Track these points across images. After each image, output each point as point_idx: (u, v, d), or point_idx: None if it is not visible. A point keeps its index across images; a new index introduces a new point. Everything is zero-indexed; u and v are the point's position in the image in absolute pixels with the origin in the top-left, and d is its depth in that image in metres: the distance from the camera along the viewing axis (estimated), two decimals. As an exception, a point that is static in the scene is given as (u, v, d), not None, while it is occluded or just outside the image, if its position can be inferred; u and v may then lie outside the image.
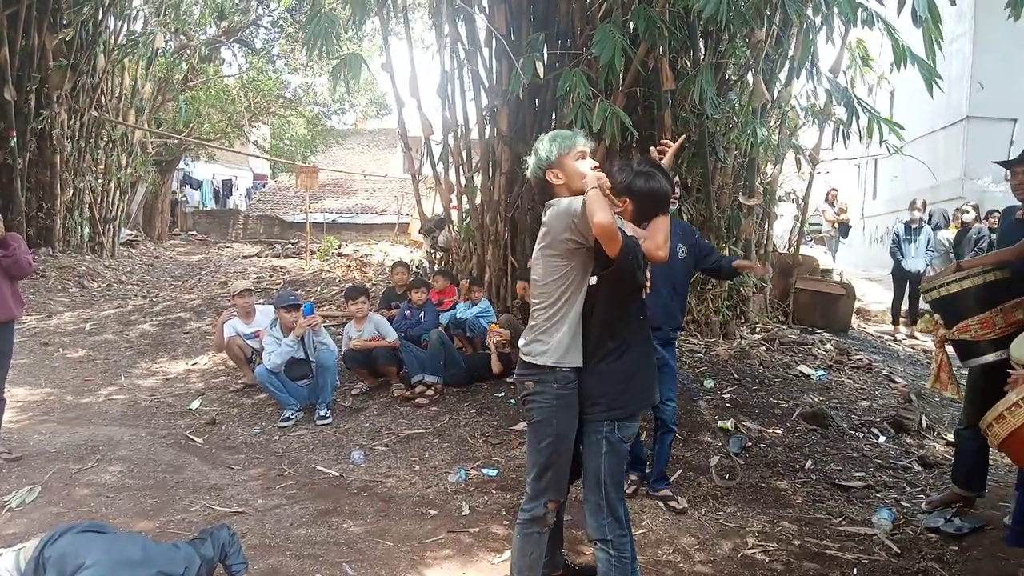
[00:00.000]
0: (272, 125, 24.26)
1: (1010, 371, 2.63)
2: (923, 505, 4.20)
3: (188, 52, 17.47)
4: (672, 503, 4.12)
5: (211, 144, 21.61)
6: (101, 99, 14.17)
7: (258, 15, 20.05)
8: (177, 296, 10.51)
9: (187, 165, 26.18)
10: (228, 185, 29.73)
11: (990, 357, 3.51)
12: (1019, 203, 3.71)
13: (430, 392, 5.86)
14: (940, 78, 5.88)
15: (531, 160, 2.76)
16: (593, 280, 2.67)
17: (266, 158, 25.65)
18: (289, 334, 5.70)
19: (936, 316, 3.63)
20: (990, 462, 4.12)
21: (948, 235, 9.42)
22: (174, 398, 6.25)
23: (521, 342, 2.80)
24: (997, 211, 8.01)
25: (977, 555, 3.61)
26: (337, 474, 4.65)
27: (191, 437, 5.31)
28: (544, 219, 2.70)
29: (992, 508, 4.05)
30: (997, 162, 4.01)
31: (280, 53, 20.83)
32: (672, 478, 4.45)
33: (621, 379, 2.68)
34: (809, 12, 5.77)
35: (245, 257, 17.20)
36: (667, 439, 4.19)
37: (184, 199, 27.01)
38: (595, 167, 2.67)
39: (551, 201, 2.69)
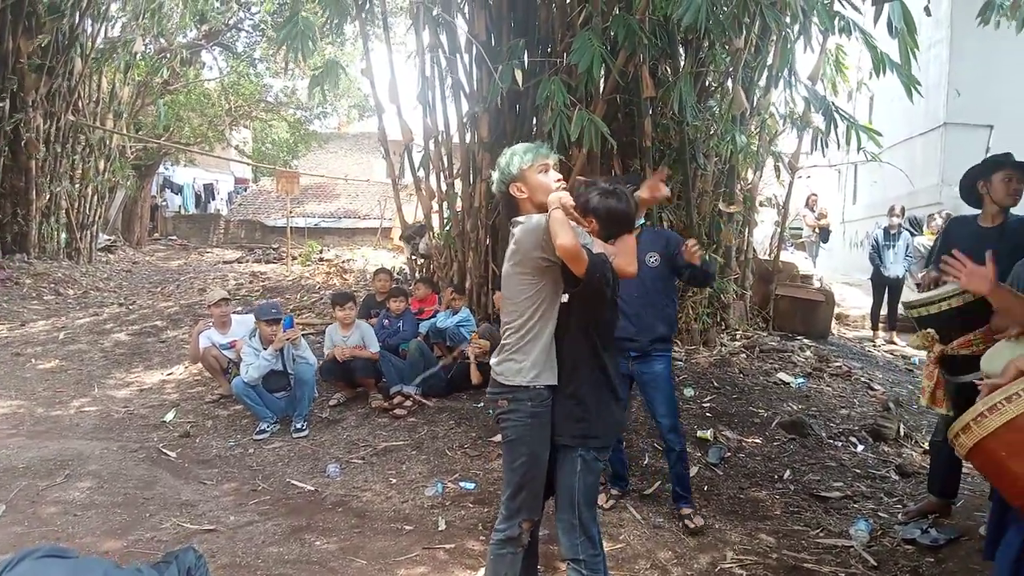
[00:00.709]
0: (254, 129, 24.08)
1: (977, 383, 2.62)
2: (900, 516, 4.20)
3: (168, 56, 17.28)
4: (688, 522, 4.00)
5: (191, 149, 21.41)
6: (78, 103, 13.99)
7: (239, 18, 19.89)
8: (154, 303, 10.38)
9: (167, 169, 25.92)
10: (209, 189, 29.46)
11: (980, 374, 3.49)
12: (969, 213, 3.72)
13: (408, 403, 5.79)
14: (919, 84, 5.93)
15: (495, 174, 2.74)
16: (565, 298, 2.63)
17: (247, 163, 25.45)
18: (268, 347, 5.61)
19: (931, 332, 3.57)
20: (965, 470, 4.13)
21: (924, 241, 9.48)
22: (148, 410, 6.14)
23: (493, 361, 2.76)
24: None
25: (953, 567, 3.61)
26: (312, 488, 4.58)
27: (164, 451, 5.21)
28: (513, 236, 2.66)
29: (968, 519, 4.06)
30: (981, 164, 3.97)
31: (262, 56, 20.67)
32: (650, 490, 4.42)
33: (593, 407, 2.65)
34: (787, 20, 5.78)
35: (225, 262, 17.05)
36: (671, 457, 4.07)
37: (164, 203, 26.76)
38: (558, 180, 2.65)
39: (519, 218, 2.66)
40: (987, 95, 10.93)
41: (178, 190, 27.59)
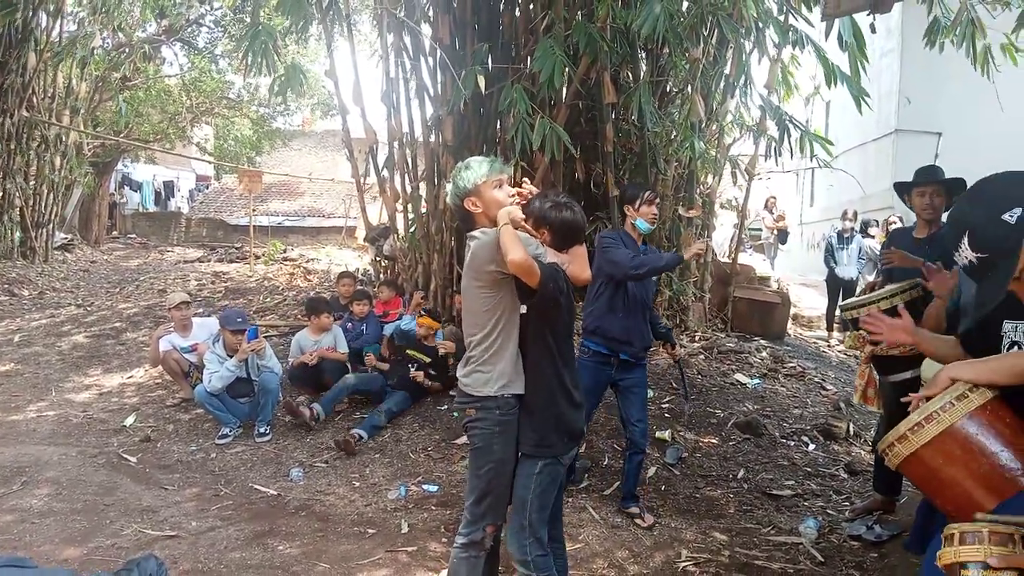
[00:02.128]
0: (215, 126, 23.69)
1: (911, 396, 2.74)
2: (847, 513, 4.37)
3: (127, 51, 16.94)
4: (639, 520, 4.16)
5: (150, 147, 21.02)
6: (32, 99, 13.66)
7: (200, 14, 19.57)
8: (113, 304, 10.20)
9: (126, 166, 25.40)
10: (170, 187, 28.95)
11: (907, 374, 3.69)
12: (908, 224, 3.91)
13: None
14: (868, 96, 6.15)
15: (449, 188, 2.80)
16: (524, 308, 2.71)
17: (209, 160, 25.05)
18: (232, 354, 5.59)
19: (863, 333, 3.76)
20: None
21: (874, 244, 9.80)
22: (107, 414, 6.08)
23: (460, 372, 2.82)
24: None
25: (894, 561, 3.77)
26: (275, 493, 4.60)
27: (124, 456, 5.18)
28: (469, 250, 2.73)
29: (909, 515, 4.21)
30: (897, 184, 4.18)
31: (223, 53, 20.37)
32: (608, 491, 4.53)
33: (549, 414, 2.72)
34: (743, 32, 5.94)
35: (187, 262, 16.77)
36: (635, 459, 4.22)
37: (123, 201, 26.21)
38: (512, 195, 2.73)
39: (474, 232, 2.72)
40: (936, 103, 11.33)
41: (137, 187, 27.06)
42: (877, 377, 3.89)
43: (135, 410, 6.09)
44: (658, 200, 4.24)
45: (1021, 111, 9.14)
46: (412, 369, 5.82)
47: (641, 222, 4.12)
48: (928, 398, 2.34)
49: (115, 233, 23.61)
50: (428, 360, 5.91)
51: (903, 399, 2.43)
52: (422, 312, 6.20)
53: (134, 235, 23.54)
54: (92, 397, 6.52)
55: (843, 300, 9.34)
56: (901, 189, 4.04)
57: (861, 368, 3.93)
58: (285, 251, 15.62)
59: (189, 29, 19.59)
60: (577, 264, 2.74)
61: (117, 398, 6.47)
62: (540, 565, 2.76)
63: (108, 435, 5.64)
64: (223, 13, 18.51)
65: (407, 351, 5.99)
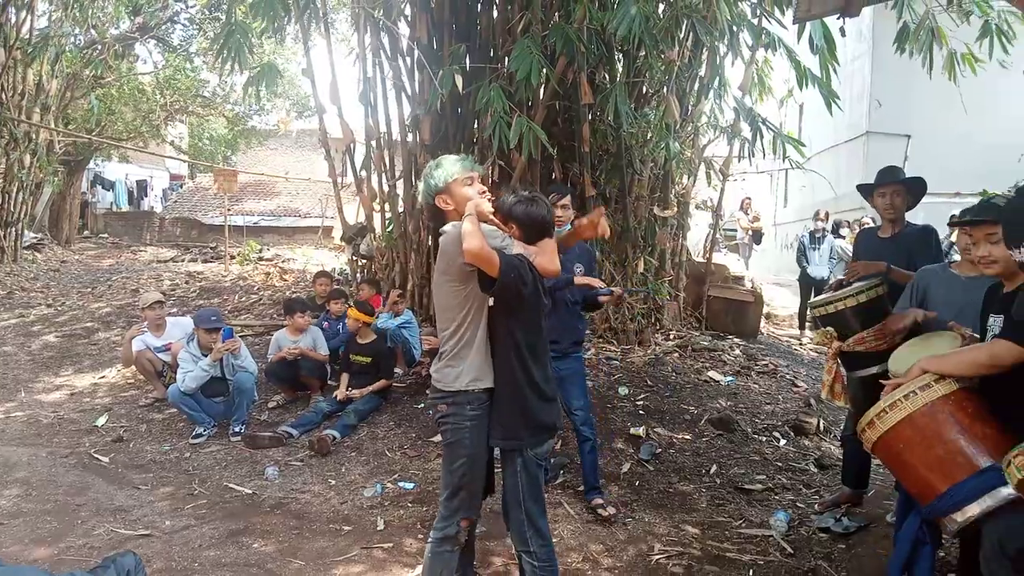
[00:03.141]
0: (190, 124, 23.46)
1: (883, 382, 2.84)
2: (816, 506, 4.45)
3: (99, 48, 16.70)
4: (601, 511, 4.19)
5: (123, 145, 20.73)
6: (1, 96, 13.43)
7: (175, 11, 19.36)
8: (85, 304, 10.07)
9: (98, 165, 25.01)
10: (143, 186, 28.56)
11: (873, 369, 3.78)
12: (873, 224, 4.01)
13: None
14: (838, 98, 6.27)
15: (421, 187, 2.84)
16: (491, 302, 2.75)
17: (183, 159, 24.77)
18: (207, 354, 5.55)
19: (830, 330, 3.85)
20: (875, 463, 4.42)
21: (845, 244, 9.96)
22: (79, 414, 6.01)
23: (432, 368, 2.86)
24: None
25: (861, 552, 3.86)
26: (250, 491, 4.58)
27: (96, 456, 5.13)
28: (440, 245, 2.76)
29: (877, 507, 4.34)
30: (860, 186, 4.28)
31: (198, 51, 20.16)
32: (584, 487, 4.57)
33: (518, 410, 2.76)
34: (717, 35, 6.03)
35: (160, 262, 16.58)
36: (584, 448, 4.27)
37: (95, 200, 25.82)
38: (483, 192, 2.77)
39: (445, 227, 2.76)
40: (905, 106, 11.55)
41: (110, 186, 26.66)
42: (844, 373, 3.99)
43: (107, 410, 6.03)
44: (564, 200, 4.22)
45: (988, 114, 9.36)
46: (345, 390, 5.78)
47: None
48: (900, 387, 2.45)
49: (87, 232, 23.26)
50: (368, 360, 5.87)
51: (884, 382, 2.56)
52: (350, 304, 6.13)
53: (106, 234, 23.22)
54: (63, 397, 6.45)
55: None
56: (864, 191, 4.14)
57: (828, 364, 4.01)
58: (261, 251, 15.49)
59: (163, 27, 19.36)
60: (545, 257, 2.78)
61: (89, 398, 6.40)
62: (542, 556, 2.82)
63: (79, 435, 5.58)
64: (198, 11, 18.31)
65: (350, 355, 5.95)
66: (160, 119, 20.05)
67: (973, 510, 2.23)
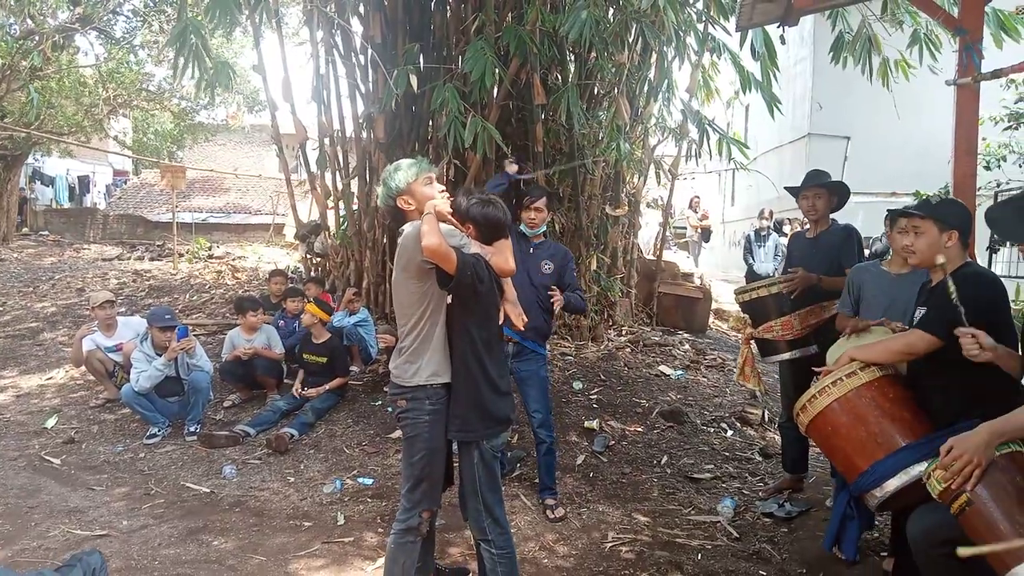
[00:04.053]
0: (134, 119, 22.78)
1: (814, 368, 3.06)
2: (760, 493, 4.68)
3: (37, 39, 16.14)
4: (550, 512, 4.26)
5: (64, 140, 20.07)
6: (-67, 88, 12.90)
7: (118, 2, 18.80)
8: (28, 304, 9.78)
9: (37, 160, 24.15)
10: (85, 182, 27.65)
11: (785, 355, 4.05)
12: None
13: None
14: (780, 102, 6.53)
15: (380, 190, 2.92)
16: (450, 299, 2.85)
17: (127, 155, 24.09)
18: (161, 353, 5.50)
19: (745, 316, 4.14)
20: (813, 451, 4.67)
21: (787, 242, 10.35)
22: (26, 416, 5.90)
23: (392, 364, 2.94)
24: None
25: (802, 535, 4.08)
26: (208, 490, 4.59)
27: (46, 458, 5.05)
28: (400, 243, 2.85)
29: (818, 492, 4.59)
30: (787, 188, 4.52)
31: (143, 43, 19.63)
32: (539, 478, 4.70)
33: (473, 402, 2.86)
34: (664, 39, 6.21)
35: (105, 260, 16.10)
36: (540, 450, 4.31)
37: (34, 196, 24.90)
38: (442, 191, 2.87)
39: (404, 226, 2.85)
40: (845, 110, 12.00)
41: (50, 182, 25.74)
42: (756, 357, 4.28)
43: (56, 412, 5.92)
44: (539, 203, 4.29)
45: (921, 118, 9.82)
46: (302, 388, 5.80)
47: (523, 226, 4.30)
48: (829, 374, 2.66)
49: (25, 230, 22.42)
50: (324, 360, 5.89)
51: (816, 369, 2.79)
52: (309, 300, 6.14)
53: (46, 232, 22.41)
54: (8, 399, 6.30)
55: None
56: (792, 193, 4.36)
57: (742, 348, 4.30)
58: (210, 249, 15.21)
59: (105, 18, 18.80)
60: (501, 256, 2.90)
61: (37, 400, 6.27)
62: (499, 543, 2.94)
63: (28, 437, 5.48)
64: (142, 2, 17.83)
65: (303, 355, 5.96)
66: (103, 113, 19.45)
67: (891, 485, 2.44)
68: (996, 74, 3.59)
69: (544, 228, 4.45)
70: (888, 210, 3.45)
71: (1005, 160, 8.32)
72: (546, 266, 4.29)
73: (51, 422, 5.70)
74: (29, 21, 16.01)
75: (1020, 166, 8.39)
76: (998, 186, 7.91)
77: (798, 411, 2.80)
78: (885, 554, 3.60)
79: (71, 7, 17.36)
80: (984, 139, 8.11)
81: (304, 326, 6.00)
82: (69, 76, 18.30)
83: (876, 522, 3.88)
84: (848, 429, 2.52)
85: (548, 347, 6.92)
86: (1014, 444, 2.13)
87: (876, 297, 3.51)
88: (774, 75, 5.68)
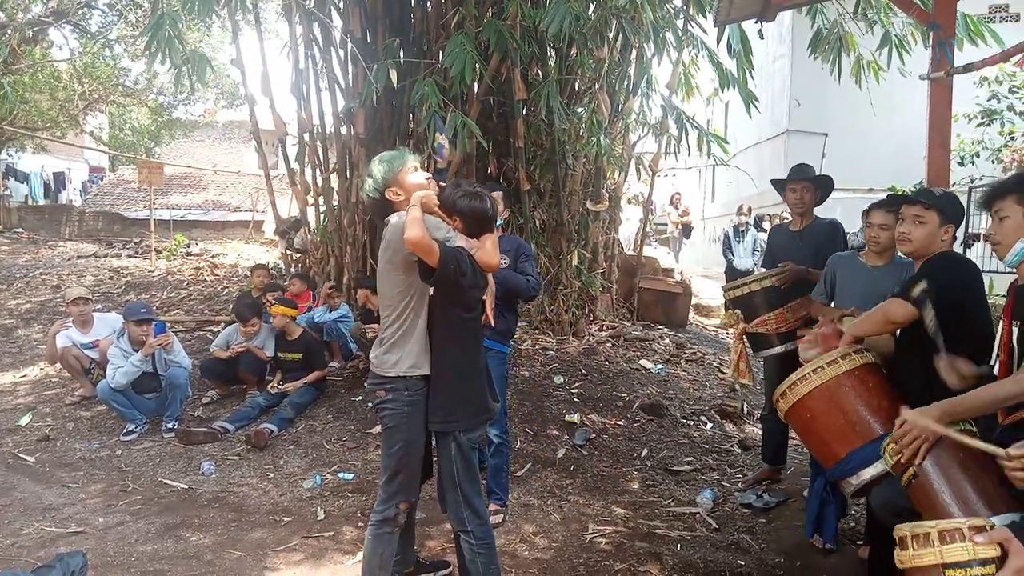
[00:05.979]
0: (110, 114, 22.50)
1: (797, 334, 3.09)
2: (739, 484, 4.72)
3: (8, 32, 15.88)
4: (491, 517, 3.77)
5: (38, 135, 19.77)
6: (-98, 82, 12.66)
7: (93, -5, 18.54)
8: (2, 302, 9.64)
9: (11, 156, 23.75)
10: (60, 178, 27.21)
11: (779, 348, 4.08)
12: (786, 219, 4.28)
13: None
14: (756, 99, 6.58)
15: (367, 183, 2.90)
16: (432, 291, 2.84)
17: (104, 151, 23.77)
18: (138, 348, 5.43)
19: (737, 312, 4.15)
20: (792, 443, 4.72)
21: (766, 237, 10.43)
22: (0, 414, 5.80)
23: (372, 354, 2.93)
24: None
25: (780, 525, 4.12)
26: (185, 487, 4.55)
27: (21, 456, 4.98)
28: (385, 235, 2.84)
29: (795, 483, 4.63)
30: (773, 181, 4.56)
31: (119, 38, 19.38)
32: (520, 472, 4.71)
33: (455, 393, 2.86)
34: (644, 35, 6.24)
35: (81, 257, 15.88)
36: (489, 449, 4.03)
37: (7, 193, 24.47)
38: (428, 178, 2.88)
39: (389, 217, 2.84)
40: (823, 106, 12.11)
41: (24, 178, 25.30)
42: (749, 353, 4.30)
43: (31, 409, 5.84)
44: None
45: (897, 116, 9.93)
46: (278, 384, 5.78)
47: None
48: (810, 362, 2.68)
49: (-1, 227, 22.07)
50: (299, 356, 5.86)
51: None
52: (272, 301, 6.07)
53: (20, 229, 22.03)
54: (-19, 397, 6.20)
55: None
56: (777, 186, 4.40)
57: (735, 344, 4.32)
58: (188, 245, 15.06)
59: (80, 11, 18.53)
60: (486, 251, 2.89)
61: (10, 397, 6.18)
62: (478, 534, 2.93)
63: (1, 435, 5.40)
64: (118, -4, 17.60)
65: (278, 352, 5.92)
66: (78, 108, 19.20)
67: (867, 474, 2.47)
68: (968, 68, 3.65)
69: (500, 222, 4.34)
70: (889, 195, 3.47)
71: (979, 156, 8.44)
72: (502, 260, 4.24)
73: (25, 419, 5.62)
74: (1, 14, 15.74)
75: (992, 162, 8.52)
76: (971, 182, 8.02)
77: (778, 396, 2.81)
78: (861, 542, 3.65)
79: (44, 0, 17.11)
80: (958, 135, 8.21)
81: (276, 328, 5.94)
82: (43, 70, 18.03)
83: (851, 511, 3.94)
84: (827, 416, 2.55)
85: (529, 341, 6.97)
86: (966, 423, 2.18)
87: (850, 286, 3.55)
88: (750, 72, 5.73)
